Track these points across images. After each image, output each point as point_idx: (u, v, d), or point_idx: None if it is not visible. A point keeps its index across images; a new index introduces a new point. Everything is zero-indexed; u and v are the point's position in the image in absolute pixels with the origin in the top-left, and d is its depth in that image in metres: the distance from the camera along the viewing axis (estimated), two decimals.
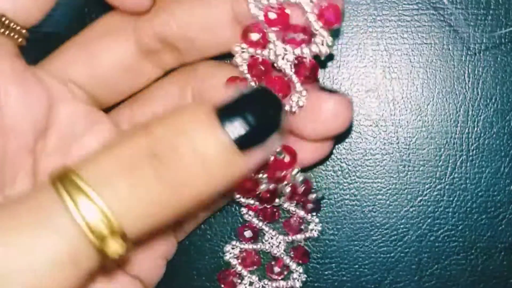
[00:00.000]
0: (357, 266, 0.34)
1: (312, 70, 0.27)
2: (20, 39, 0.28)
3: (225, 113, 0.24)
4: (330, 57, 0.34)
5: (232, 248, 0.32)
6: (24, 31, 0.28)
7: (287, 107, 0.28)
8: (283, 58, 0.27)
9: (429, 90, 0.34)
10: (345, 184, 0.34)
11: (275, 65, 0.27)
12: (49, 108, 0.28)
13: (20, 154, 0.27)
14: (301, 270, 0.32)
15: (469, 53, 0.34)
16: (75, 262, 0.22)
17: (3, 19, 0.27)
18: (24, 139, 0.27)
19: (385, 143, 0.34)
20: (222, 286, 0.32)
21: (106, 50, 0.30)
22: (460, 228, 0.34)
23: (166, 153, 0.23)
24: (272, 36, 0.27)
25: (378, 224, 0.34)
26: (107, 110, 0.32)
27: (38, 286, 0.21)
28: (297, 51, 0.27)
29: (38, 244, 0.22)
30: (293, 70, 0.27)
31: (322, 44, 0.27)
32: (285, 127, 0.25)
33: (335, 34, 0.33)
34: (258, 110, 0.24)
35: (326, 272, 0.35)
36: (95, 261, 0.23)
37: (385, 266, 0.34)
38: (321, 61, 0.34)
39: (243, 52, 0.27)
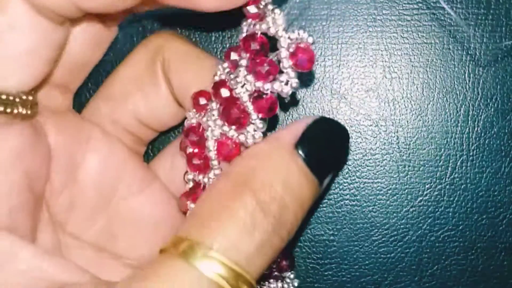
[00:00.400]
0: (357, 266, 0.34)
1: (269, 107, 0.26)
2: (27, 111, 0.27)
3: (304, 150, 0.25)
4: (331, 56, 0.34)
5: None
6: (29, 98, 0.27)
7: (242, 138, 0.26)
8: (242, 87, 0.26)
9: (429, 90, 0.34)
10: (345, 184, 0.34)
11: (234, 92, 0.26)
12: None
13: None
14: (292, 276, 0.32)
15: (469, 52, 0.34)
16: None
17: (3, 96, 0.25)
18: None
19: (385, 143, 0.34)
20: None
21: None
22: (460, 228, 0.34)
23: (276, 209, 0.24)
24: (242, 62, 0.26)
25: (378, 224, 0.34)
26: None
27: None
28: (258, 84, 0.25)
29: None
30: (250, 101, 0.26)
31: (286, 84, 0.25)
32: None
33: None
34: (329, 144, 0.26)
35: (326, 273, 0.35)
36: None
37: (385, 266, 0.34)
38: (321, 61, 0.34)
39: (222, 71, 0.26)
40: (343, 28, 0.34)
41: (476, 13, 0.33)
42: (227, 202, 0.24)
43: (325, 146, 0.26)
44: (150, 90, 0.29)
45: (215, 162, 0.27)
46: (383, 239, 0.34)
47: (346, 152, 0.27)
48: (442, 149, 0.34)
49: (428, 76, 0.34)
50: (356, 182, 0.34)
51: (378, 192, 0.34)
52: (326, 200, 0.34)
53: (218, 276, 0.22)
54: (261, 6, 0.25)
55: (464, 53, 0.34)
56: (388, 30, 0.34)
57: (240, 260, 0.23)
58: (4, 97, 0.25)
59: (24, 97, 0.26)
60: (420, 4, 0.33)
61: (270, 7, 0.26)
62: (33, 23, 0.25)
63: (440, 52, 0.34)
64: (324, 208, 0.34)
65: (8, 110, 0.25)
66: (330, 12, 0.34)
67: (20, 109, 0.25)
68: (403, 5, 0.34)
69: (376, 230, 0.34)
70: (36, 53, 0.25)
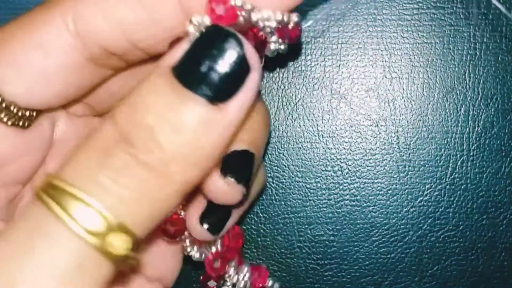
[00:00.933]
0: (357, 267, 0.34)
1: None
2: (25, 123, 0.26)
3: (184, 73, 0.22)
4: (331, 56, 0.34)
5: None
6: (28, 114, 0.26)
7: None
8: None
9: (429, 90, 0.34)
10: (345, 184, 0.34)
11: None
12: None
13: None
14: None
15: (469, 52, 0.33)
16: (84, 271, 0.21)
17: (12, 107, 0.25)
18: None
19: (385, 143, 0.34)
20: None
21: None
22: (460, 228, 0.34)
23: (137, 135, 0.22)
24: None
25: (378, 225, 0.34)
26: None
27: None
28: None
29: (42, 265, 0.21)
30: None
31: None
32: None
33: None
34: (219, 56, 0.22)
35: (326, 273, 0.35)
36: (106, 266, 0.22)
37: (385, 267, 0.34)
38: (321, 61, 0.34)
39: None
40: (343, 28, 0.34)
41: (476, 13, 0.33)
42: (90, 134, 0.23)
43: (202, 58, 0.22)
44: None
45: None
46: (383, 239, 0.34)
47: (241, 63, 0.22)
48: (442, 149, 0.34)
49: (428, 76, 0.34)
50: (356, 182, 0.34)
51: (378, 192, 0.34)
52: (326, 201, 0.34)
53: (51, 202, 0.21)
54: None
55: (464, 53, 0.34)
56: (388, 30, 0.34)
57: (94, 191, 0.21)
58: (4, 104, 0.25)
59: (27, 113, 0.25)
60: (420, 4, 0.33)
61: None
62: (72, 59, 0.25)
63: (440, 52, 0.34)
64: (324, 209, 0.34)
65: (5, 119, 0.25)
66: (330, 12, 0.34)
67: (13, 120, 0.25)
68: (403, 5, 0.34)
69: (376, 230, 0.34)
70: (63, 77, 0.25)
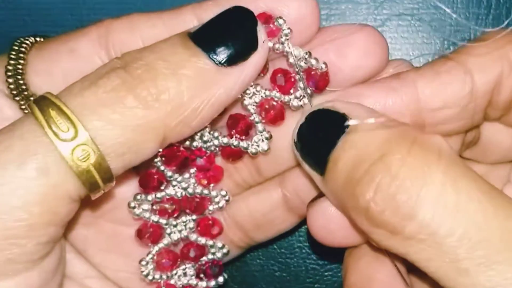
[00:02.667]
0: None
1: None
2: None
3: (199, 35, 0.24)
4: None
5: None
6: None
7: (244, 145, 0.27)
8: (250, 98, 0.27)
9: None
10: None
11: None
12: None
13: None
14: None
15: None
16: (49, 176, 0.22)
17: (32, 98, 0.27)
18: None
19: None
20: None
21: None
22: None
23: (133, 65, 0.23)
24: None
25: None
26: None
27: (1, 198, 0.22)
28: (266, 93, 0.27)
29: (11, 159, 0.22)
30: (256, 111, 0.27)
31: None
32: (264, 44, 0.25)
33: None
34: (229, 26, 0.24)
35: (326, 273, 0.35)
36: (70, 178, 0.22)
37: None
38: None
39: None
40: None
41: (477, 13, 0.33)
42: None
43: (218, 26, 0.25)
44: None
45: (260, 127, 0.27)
46: None
47: (252, 37, 0.24)
48: None
49: None
50: None
51: None
52: None
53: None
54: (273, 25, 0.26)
55: None
56: (388, 30, 0.34)
57: (64, 96, 0.23)
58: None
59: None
60: (420, 4, 0.33)
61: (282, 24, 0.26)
62: None
63: (440, 52, 0.34)
64: None
65: (23, 107, 0.27)
66: (330, 12, 0.34)
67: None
68: (404, 4, 0.34)
69: None
70: None
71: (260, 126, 0.27)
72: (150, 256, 0.29)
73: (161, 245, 0.29)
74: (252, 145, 0.27)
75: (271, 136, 0.27)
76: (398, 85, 0.25)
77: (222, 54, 0.24)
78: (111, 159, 0.23)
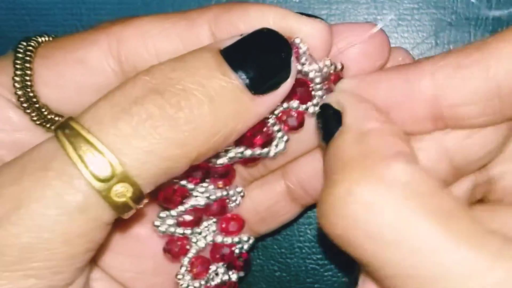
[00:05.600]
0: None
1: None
2: (52, 127, 0.28)
3: (232, 55, 0.24)
4: None
5: None
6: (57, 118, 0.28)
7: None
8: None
9: None
10: None
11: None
12: None
13: None
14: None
15: None
16: (86, 211, 0.22)
17: (44, 109, 0.27)
18: None
19: None
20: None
21: None
22: None
23: (170, 90, 0.23)
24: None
25: None
26: None
27: (46, 235, 0.22)
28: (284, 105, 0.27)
29: (48, 195, 0.22)
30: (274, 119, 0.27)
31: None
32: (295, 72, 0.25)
33: None
34: (265, 52, 0.24)
35: (326, 274, 0.35)
36: (107, 212, 0.23)
37: None
38: None
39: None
40: None
41: (477, 13, 0.33)
42: (120, 84, 0.24)
43: (252, 49, 0.24)
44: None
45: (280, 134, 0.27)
46: None
47: (285, 63, 0.24)
48: None
49: None
50: None
51: None
52: None
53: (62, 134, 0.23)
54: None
55: None
56: (388, 30, 0.34)
57: (94, 126, 0.22)
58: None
59: (56, 118, 0.27)
60: (420, 4, 0.33)
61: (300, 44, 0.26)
62: None
63: (441, 51, 0.34)
64: None
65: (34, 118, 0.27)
66: (330, 12, 0.34)
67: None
68: (404, 4, 0.34)
69: None
70: None
71: (280, 133, 0.27)
72: (184, 268, 0.29)
73: (190, 255, 0.29)
74: (271, 150, 0.28)
75: (289, 138, 0.28)
76: (416, 77, 0.24)
77: (258, 83, 0.24)
78: (145, 187, 0.23)
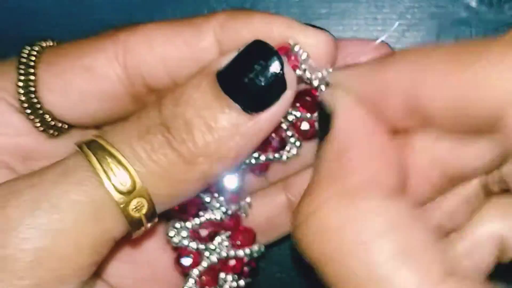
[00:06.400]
0: None
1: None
2: (54, 133, 0.28)
3: (227, 79, 0.24)
4: None
5: None
6: (60, 125, 0.28)
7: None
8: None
9: None
10: None
11: None
12: None
13: None
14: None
15: None
16: (101, 221, 0.23)
17: (47, 116, 0.28)
18: None
19: None
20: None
21: None
22: None
23: (175, 125, 0.24)
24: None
25: None
26: None
27: (59, 240, 0.23)
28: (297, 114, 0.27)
29: (66, 200, 0.23)
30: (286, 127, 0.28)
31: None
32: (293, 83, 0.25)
33: None
34: (260, 72, 0.24)
35: None
36: (121, 224, 0.24)
37: None
38: None
39: None
40: (343, 26, 0.34)
41: (477, 13, 0.33)
42: (138, 113, 0.25)
43: (246, 69, 0.24)
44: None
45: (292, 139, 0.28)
46: None
47: (280, 77, 0.24)
48: None
49: None
50: None
51: None
52: None
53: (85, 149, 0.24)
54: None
55: None
56: (388, 29, 0.34)
57: (117, 143, 0.24)
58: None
59: (59, 124, 0.28)
60: (422, 3, 0.34)
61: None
62: None
63: None
64: None
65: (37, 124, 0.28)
66: (330, 11, 0.34)
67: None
68: (404, 3, 0.34)
69: None
70: None
71: (293, 139, 0.28)
72: (193, 280, 0.29)
73: (201, 268, 0.29)
74: (283, 154, 0.28)
75: (301, 144, 0.28)
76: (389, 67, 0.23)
77: (255, 103, 0.24)
78: (160, 207, 0.25)
